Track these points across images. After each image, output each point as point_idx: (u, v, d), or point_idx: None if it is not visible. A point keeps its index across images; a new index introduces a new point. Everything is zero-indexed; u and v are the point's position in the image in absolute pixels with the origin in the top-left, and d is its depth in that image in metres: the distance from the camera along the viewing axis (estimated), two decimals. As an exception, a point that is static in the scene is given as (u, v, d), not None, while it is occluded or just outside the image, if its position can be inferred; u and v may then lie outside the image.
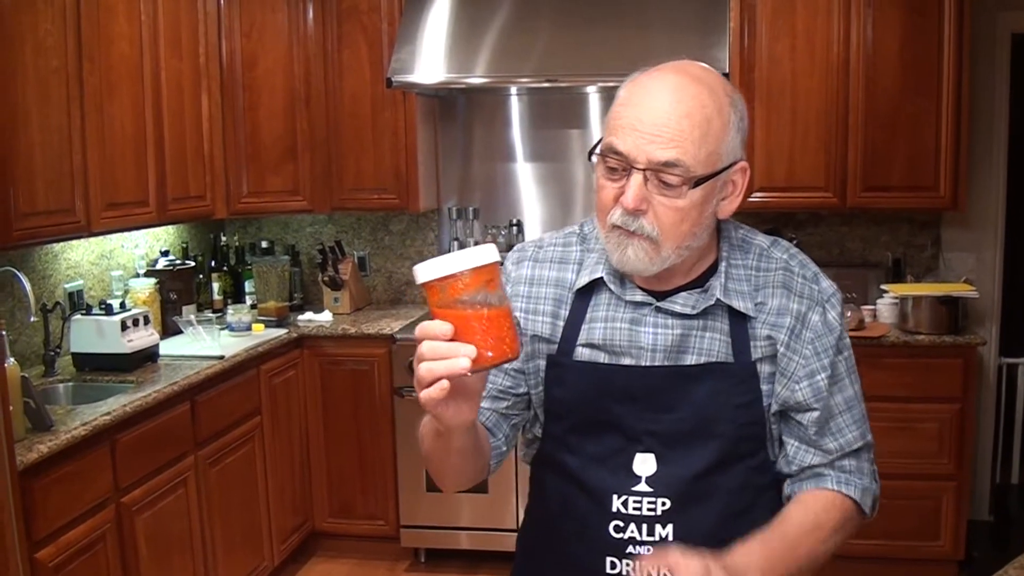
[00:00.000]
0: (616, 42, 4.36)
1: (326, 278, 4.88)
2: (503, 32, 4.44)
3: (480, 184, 5.13)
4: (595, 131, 4.98)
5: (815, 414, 1.59)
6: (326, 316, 4.72)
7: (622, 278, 1.61)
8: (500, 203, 5.12)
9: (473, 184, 5.14)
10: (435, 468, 1.62)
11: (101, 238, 4.04)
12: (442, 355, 1.27)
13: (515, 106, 5.06)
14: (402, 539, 4.56)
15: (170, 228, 4.65)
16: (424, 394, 1.29)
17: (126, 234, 4.22)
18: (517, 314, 1.65)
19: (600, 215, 1.53)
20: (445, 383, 1.27)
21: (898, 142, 4.38)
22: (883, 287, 4.44)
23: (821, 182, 4.44)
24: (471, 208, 5.08)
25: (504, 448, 1.69)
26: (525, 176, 5.09)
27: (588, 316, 1.63)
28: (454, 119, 5.09)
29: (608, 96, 4.88)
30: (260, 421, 4.16)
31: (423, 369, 1.28)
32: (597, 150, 1.52)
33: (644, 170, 1.46)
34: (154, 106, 3.93)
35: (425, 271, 1.29)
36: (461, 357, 1.26)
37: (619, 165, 1.48)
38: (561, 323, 1.65)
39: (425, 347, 1.28)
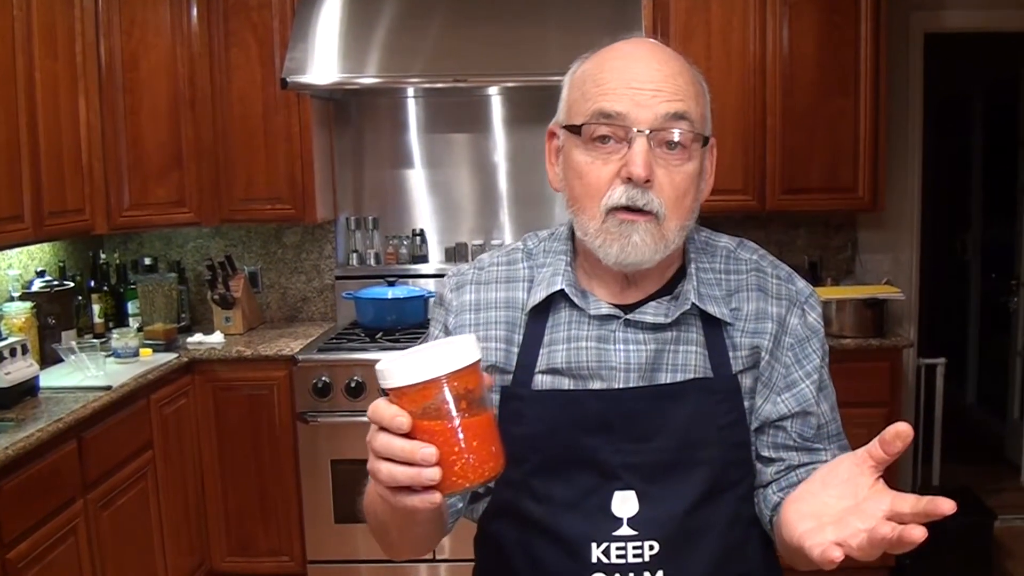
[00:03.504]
0: (522, 41, 4.15)
1: (216, 296, 4.51)
2: (401, 29, 4.17)
3: (377, 192, 4.85)
4: (498, 134, 4.77)
5: (800, 422, 1.42)
6: (217, 338, 4.37)
7: (584, 290, 1.43)
8: (400, 212, 4.85)
9: (370, 192, 4.85)
10: (392, 540, 1.40)
11: (-29, 259, 3.64)
12: (399, 456, 1.07)
13: (412, 109, 4.80)
14: (309, 575, 4.24)
15: (45, 246, 4.21)
16: (383, 492, 1.12)
17: (-2, 254, 3.82)
18: None
19: (589, 203, 1.35)
20: (416, 503, 1.09)
21: (816, 143, 4.28)
22: (805, 291, 4.33)
23: (740, 184, 4.31)
24: (370, 218, 4.79)
25: (460, 505, 1.47)
26: (425, 183, 4.83)
27: (547, 338, 1.43)
28: (348, 123, 4.80)
29: (512, 98, 4.68)
30: (152, 456, 3.79)
31: (384, 471, 1.09)
32: (578, 123, 1.34)
33: (649, 132, 1.29)
34: (28, 111, 3.52)
35: (395, 374, 1.07)
36: (425, 482, 1.07)
37: (612, 133, 1.31)
38: (516, 349, 1.44)
39: (379, 443, 1.09)
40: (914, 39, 4.58)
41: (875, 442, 1.08)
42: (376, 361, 3.55)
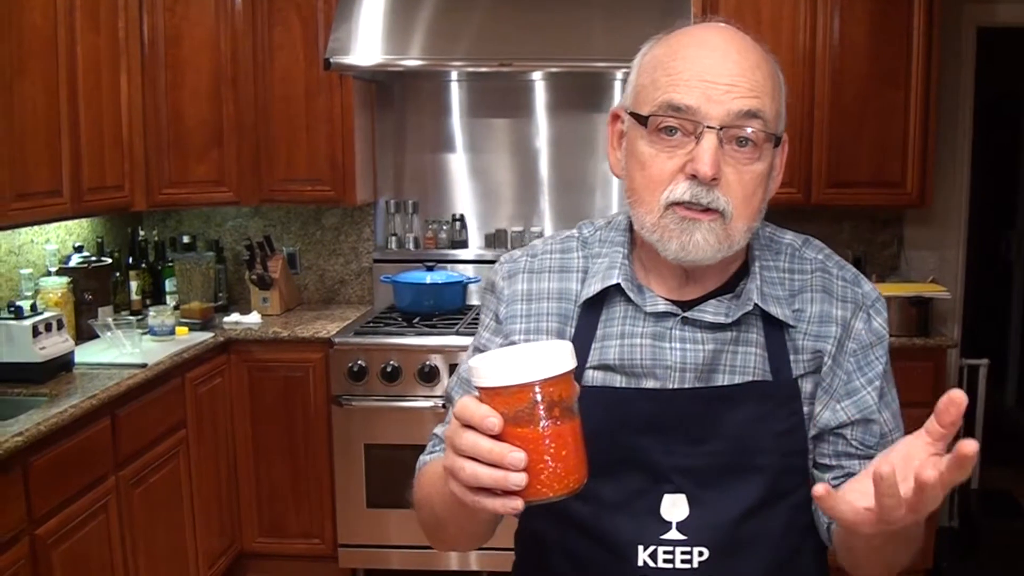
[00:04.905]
0: (567, 26, 4.09)
1: (254, 276, 4.50)
2: (446, 12, 4.12)
3: (418, 176, 4.81)
4: (540, 120, 4.71)
5: (862, 430, 1.35)
6: (254, 318, 4.34)
7: (640, 285, 1.36)
8: (440, 196, 4.80)
9: (411, 176, 4.81)
10: (446, 536, 1.37)
11: (9, 232, 3.62)
12: (485, 458, 1.03)
13: (455, 93, 4.75)
14: (340, 559, 4.22)
15: (84, 222, 4.21)
16: (459, 491, 1.08)
17: (36, 228, 3.80)
18: (516, 337, 1.40)
19: (649, 196, 1.28)
20: (497, 506, 1.06)
21: (864, 137, 4.20)
22: (849, 287, 4.26)
23: (786, 177, 4.15)
24: (410, 201, 4.75)
25: None
26: (466, 168, 4.78)
27: (600, 333, 1.37)
28: (390, 106, 4.75)
29: (556, 83, 4.62)
30: (185, 435, 3.78)
31: (467, 471, 1.05)
32: (644, 113, 1.27)
33: (719, 128, 1.23)
34: (69, 85, 3.50)
35: (491, 373, 1.03)
36: (511, 487, 1.03)
37: (680, 126, 1.24)
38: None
39: (466, 442, 1.05)
40: (966, 32, 4.48)
41: (931, 418, 1.03)
42: (412, 346, 3.52)
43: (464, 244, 4.75)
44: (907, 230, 4.65)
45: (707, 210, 1.25)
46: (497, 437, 1.03)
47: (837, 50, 4.17)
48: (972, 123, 4.59)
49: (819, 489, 1.04)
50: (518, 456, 1.01)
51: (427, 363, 3.98)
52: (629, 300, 1.37)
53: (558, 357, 1.03)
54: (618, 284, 1.37)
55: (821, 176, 4.23)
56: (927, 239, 4.63)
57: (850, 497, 1.07)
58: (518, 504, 1.04)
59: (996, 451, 5.20)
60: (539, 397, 1.02)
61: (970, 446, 0.93)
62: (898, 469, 1.00)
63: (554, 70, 4.36)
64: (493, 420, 1.02)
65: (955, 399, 0.99)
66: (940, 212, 4.55)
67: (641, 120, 1.28)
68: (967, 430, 4.66)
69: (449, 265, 4.65)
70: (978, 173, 4.81)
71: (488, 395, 1.04)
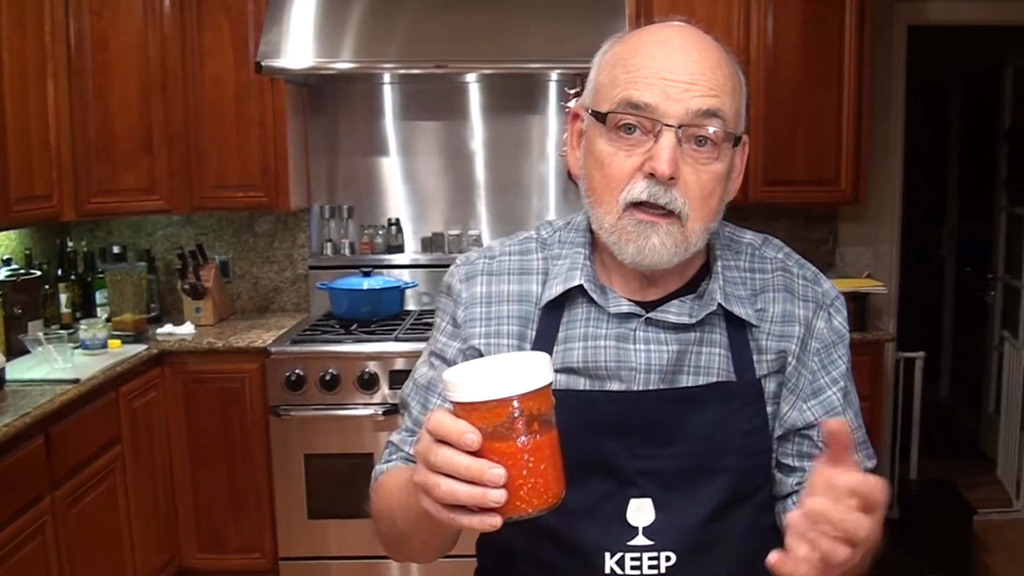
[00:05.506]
0: (502, 27, 4.07)
1: (186, 286, 4.40)
2: (379, 13, 4.06)
3: (352, 180, 4.74)
4: (475, 122, 4.67)
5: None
6: (188, 328, 4.25)
7: (603, 286, 1.35)
8: (375, 201, 4.74)
9: (345, 180, 4.74)
10: (410, 549, 1.34)
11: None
12: (463, 475, 1.00)
13: (388, 95, 4.69)
14: (281, 572, 4.14)
15: (11, 233, 4.08)
16: (432, 507, 1.05)
17: (-37, 241, 3.68)
18: (476, 341, 1.37)
19: (608, 195, 1.27)
20: (475, 524, 1.03)
21: (799, 135, 4.23)
22: (787, 285, 4.29)
23: (722, 176, 4.23)
24: (344, 206, 4.68)
25: None
26: (400, 171, 4.73)
27: (562, 335, 1.35)
28: (323, 110, 4.68)
29: (490, 85, 4.60)
30: (121, 451, 3.68)
31: (443, 488, 1.02)
32: (603, 110, 1.25)
33: (678, 127, 1.21)
34: (-5, 92, 3.40)
35: (467, 388, 1.00)
36: (490, 504, 1.01)
37: (639, 123, 1.23)
38: (528, 346, 1.37)
39: (442, 458, 1.01)
40: (898, 31, 4.54)
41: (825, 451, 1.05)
42: (351, 353, 3.46)
43: (400, 249, 4.69)
44: (841, 227, 4.70)
45: (665, 214, 1.24)
46: (476, 453, 1.00)
47: (771, 49, 4.19)
48: (904, 121, 4.64)
49: (772, 558, 1.05)
50: (498, 473, 0.99)
51: (366, 370, 3.93)
52: (591, 301, 1.35)
53: (537, 370, 1.01)
54: (580, 286, 1.35)
55: (757, 175, 4.25)
56: (861, 235, 4.68)
57: (797, 552, 1.05)
58: (496, 521, 1.01)
59: (933, 442, 5.30)
60: (518, 412, 0.99)
61: (835, 424, 0.99)
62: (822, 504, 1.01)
63: (488, 72, 4.33)
64: (472, 436, 0.99)
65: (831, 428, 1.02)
66: (874, 208, 4.61)
67: (600, 117, 1.27)
68: (905, 422, 4.73)
69: (385, 270, 4.58)
70: (910, 170, 4.88)
71: (464, 410, 1.00)
